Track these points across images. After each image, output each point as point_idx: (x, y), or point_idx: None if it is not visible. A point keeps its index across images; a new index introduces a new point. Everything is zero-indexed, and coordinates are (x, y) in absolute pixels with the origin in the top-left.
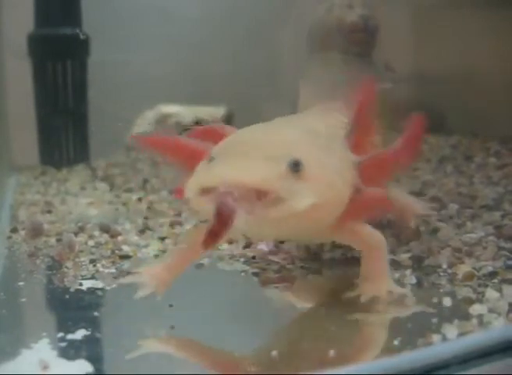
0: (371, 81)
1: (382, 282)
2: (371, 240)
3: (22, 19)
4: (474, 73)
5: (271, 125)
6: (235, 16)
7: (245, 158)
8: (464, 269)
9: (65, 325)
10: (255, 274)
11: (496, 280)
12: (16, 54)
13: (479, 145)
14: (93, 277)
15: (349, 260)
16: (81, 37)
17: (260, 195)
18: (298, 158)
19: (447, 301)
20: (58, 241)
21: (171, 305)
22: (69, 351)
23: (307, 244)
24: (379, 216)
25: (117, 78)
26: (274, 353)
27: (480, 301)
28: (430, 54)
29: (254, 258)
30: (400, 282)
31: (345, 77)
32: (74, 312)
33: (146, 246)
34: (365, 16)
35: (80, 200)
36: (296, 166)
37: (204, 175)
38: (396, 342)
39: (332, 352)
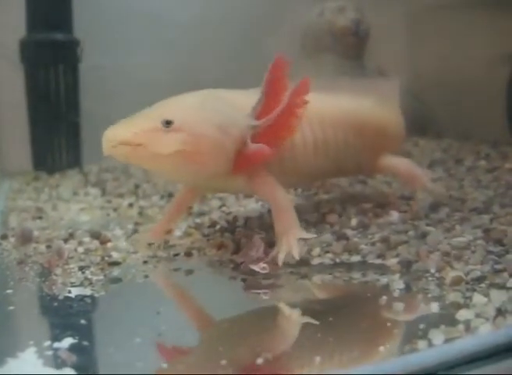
0: (281, 57)
1: (291, 237)
2: (275, 195)
3: (14, 24)
4: (466, 77)
5: (183, 95)
6: (228, 20)
7: (131, 119)
8: (452, 273)
9: (54, 333)
10: (244, 280)
11: (483, 285)
12: (7, 59)
13: (470, 148)
14: (82, 285)
15: (338, 265)
16: (73, 42)
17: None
18: (170, 118)
19: (435, 307)
20: (48, 247)
21: (158, 312)
22: (57, 360)
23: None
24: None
25: (109, 83)
26: (259, 360)
27: (467, 306)
28: (421, 57)
29: (243, 263)
30: (388, 287)
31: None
32: (62, 320)
33: (135, 252)
34: (356, 20)
35: (72, 206)
36: (167, 123)
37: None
38: (381, 348)
39: (317, 359)
